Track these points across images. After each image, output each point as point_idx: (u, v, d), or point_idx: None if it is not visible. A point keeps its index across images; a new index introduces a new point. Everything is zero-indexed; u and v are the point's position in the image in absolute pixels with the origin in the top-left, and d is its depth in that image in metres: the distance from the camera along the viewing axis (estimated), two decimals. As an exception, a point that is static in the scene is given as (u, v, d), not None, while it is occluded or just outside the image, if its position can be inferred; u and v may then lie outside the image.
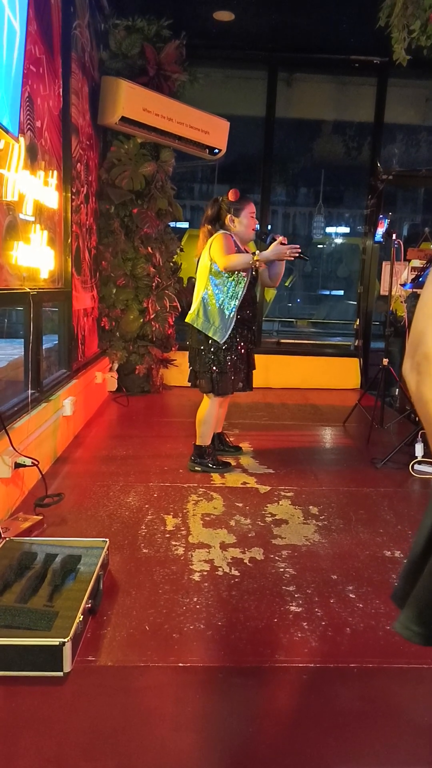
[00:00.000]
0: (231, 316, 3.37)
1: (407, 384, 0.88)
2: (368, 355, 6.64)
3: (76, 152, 4.38)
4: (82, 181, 4.72)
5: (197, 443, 3.57)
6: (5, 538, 2.34)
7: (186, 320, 3.49)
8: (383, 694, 1.70)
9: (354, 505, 3.12)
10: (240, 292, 3.38)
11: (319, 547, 2.61)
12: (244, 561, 2.45)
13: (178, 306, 5.76)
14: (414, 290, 4.65)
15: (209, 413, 3.50)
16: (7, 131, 2.44)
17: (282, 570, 2.39)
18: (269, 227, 6.96)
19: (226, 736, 1.53)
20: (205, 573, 2.33)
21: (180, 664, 1.78)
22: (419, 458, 3.74)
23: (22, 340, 3.38)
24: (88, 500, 3.03)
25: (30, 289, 3.21)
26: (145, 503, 3.02)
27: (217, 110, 5.66)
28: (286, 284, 15.76)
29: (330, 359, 6.74)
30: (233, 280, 3.35)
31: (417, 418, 4.34)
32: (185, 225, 12.21)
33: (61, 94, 3.93)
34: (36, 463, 2.86)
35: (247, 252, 3.41)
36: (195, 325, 3.40)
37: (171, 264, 5.84)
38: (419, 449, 3.78)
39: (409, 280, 4.89)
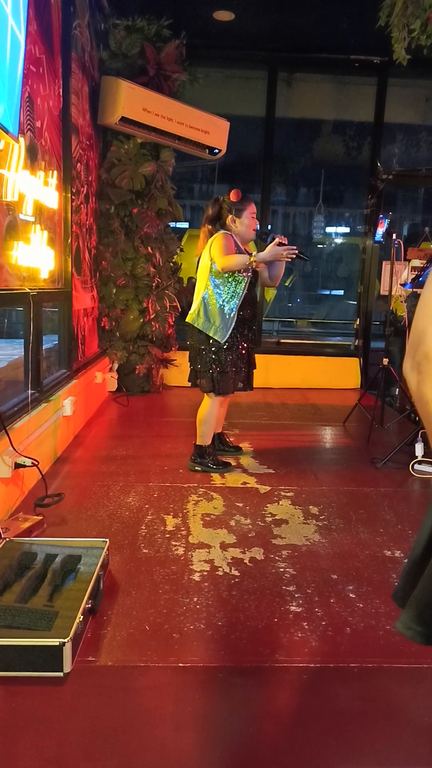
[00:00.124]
0: (232, 315, 3.37)
1: (408, 383, 0.88)
2: (368, 355, 6.64)
3: (76, 152, 4.38)
4: (82, 181, 4.72)
5: (197, 443, 3.57)
6: (5, 538, 2.34)
7: (186, 320, 3.49)
8: (383, 694, 1.70)
9: (354, 505, 3.12)
10: (241, 292, 3.38)
11: (319, 547, 2.61)
12: (245, 561, 2.45)
13: (178, 306, 5.76)
14: (414, 290, 4.65)
15: (210, 413, 3.50)
16: (7, 131, 2.44)
17: (282, 570, 2.39)
18: (269, 227, 6.97)
19: (226, 736, 1.53)
20: (205, 573, 2.33)
21: (180, 664, 1.78)
22: (419, 458, 3.74)
23: (22, 340, 3.38)
24: (88, 500, 3.03)
25: (30, 289, 3.21)
26: (145, 503, 3.02)
27: (217, 110, 5.66)
28: (286, 284, 15.76)
29: (330, 359, 6.74)
30: (234, 279, 3.35)
31: (417, 418, 4.34)
32: (185, 225, 12.21)
33: (61, 94, 3.93)
34: (36, 463, 2.86)
35: (248, 252, 3.41)
36: (196, 325, 3.40)
37: (171, 264, 5.84)
38: (419, 449, 3.78)
39: (409, 280, 4.89)
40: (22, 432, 2.95)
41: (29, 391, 3.31)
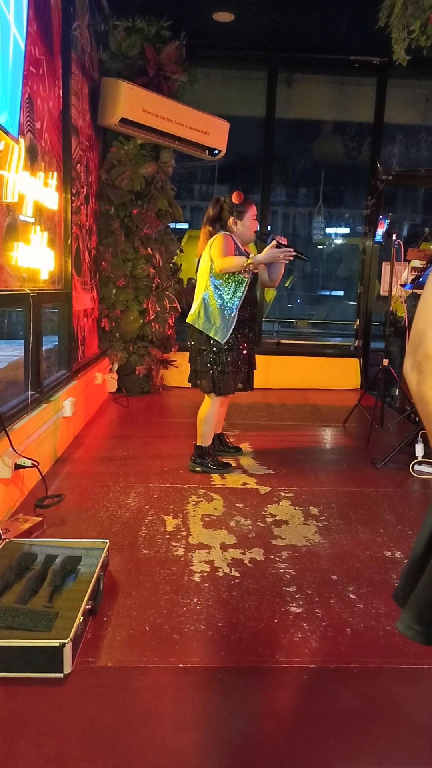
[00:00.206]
0: (232, 316, 3.37)
1: (408, 383, 0.88)
2: (368, 356, 6.64)
3: (76, 153, 4.38)
4: (82, 182, 4.73)
5: (198, 443, 3.58)
6: (5, 539, 2.34)
7: (187, 321, 3.49)
8: (383, 694, 1.70)
9: (354, 506, 3.12)
10: (241, 293, 3.38)
11: (320, 548, 2.61)
12: (245, 562, 2.45)
13: (178, 307, 5.77)
14: (414, 290, 4.65)
15: (210, 413, 3.50)
16: (7, 132, 2.44)
17: (282, 570, 2.39)
18: (269, 228, 6.97)
19: (226, 736, 1.53)
20: (206, 574, 2.33)
21: (180, 665, 1.78)
22: (419, 458, 3.74)
23: (22, 341, 3.38)
24: (88, 501, 3.03)
25: (30, 290, 3.22)
26: (145, 504, 3.02)
27: (217, 111, 5.66)
28: (286, 284, 15.76)
29: (330, 359, 6.74)
30: (234, 280, 3.35)
31: (417, 418, 4.34)
32: (185, 226, 12.22)
33: (60, 95, 3.93)
34: (36, 464, 2.86)
35: (248, 252, 3.41)
36: (196, 326, 3.40)
37: (171, 265, 5.84)
38: (419, 449, 3.78)
39: (409, 281, 4.89)
40: (22, 433, 2.95)
41: (29, 392, 3.31)
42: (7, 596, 1.92)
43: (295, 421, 5.01)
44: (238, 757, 1.47)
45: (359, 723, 1.58)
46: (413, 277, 4.91)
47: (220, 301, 3.35)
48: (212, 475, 3.51)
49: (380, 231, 5.11)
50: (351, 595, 2.21)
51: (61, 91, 3.93)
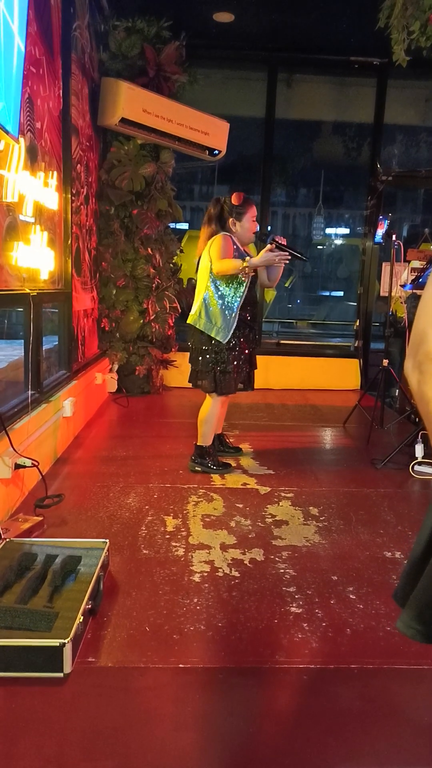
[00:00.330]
0: (233, 315, 3.37)
1: (409, 383, 0.88)
2: (368, 356, 6.64)
3: (76, 153, 4.38)
4: (82, 182, 4.73)
5: (198, 443, 3.58)
6: (5, 538, 2.34)
7: (188, 321, 3.49)
8: (383, 694, 1.70)
9: (354, 506, 3.12)
10: (242, 292, 3.38)
11: (320, 548, 2.61)
12: (245, 562, 2.45)
13: (178, 307, 5.77)
14: (414, 291, 4.66)
15: (211, 413, 3.51)
16: (7, 132, 2.44)
17: (282, 571, 2.39)
18: (269, 228, 6.97)
19: (226, 736, 1.53)
20: (206, 574, 2.33)
21: (180, 665, 1.78)
22: (419, 459, 3.74)
23: (22, 341, 3.38)
24: (88, 501, 3.03)
25: (30, 290, 3.22)
26: (146, 504, 3.02)
27: (217, 111, 5.67)
28: (286, 285, 15.76)
29: (330, 360, 6.74)
30: (234, 280, 3.35)
31: (417, 419, 4.35)
32: (185, 226, 12.21)
33: (61, 95, 3.93)
34: (36, 463, 2.86)
35: (248, 253, 3.42)
36: (197, 326, 3.40)
37: (171, 265, 5.84)
38: (419, 450, 3.78)
39: (409, 281, 4.89)
40: (22, 433, 2.95)
41: (29, 392, 3.31)
42: (8, 596, 1.92)
43: (295, 422, 5.01)
44: (238, 757, 1.47)
45: (359, 723, 1.58)
46: (413, 277, 4.92)
47: (220, 302, 3.35)
48: (212, 475, 3.51)
49: (380, 231, 5.12)
50: (351, 596, 2.21)
51: (61, 91, 3.93)
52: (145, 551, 2.51)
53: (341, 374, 6.60)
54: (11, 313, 4.97)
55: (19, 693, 1.65)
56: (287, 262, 3.27)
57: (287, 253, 3.24)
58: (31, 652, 1.69)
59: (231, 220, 3.40)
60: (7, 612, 1.80)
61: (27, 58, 2.76)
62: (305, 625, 2.02)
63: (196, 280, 3.52)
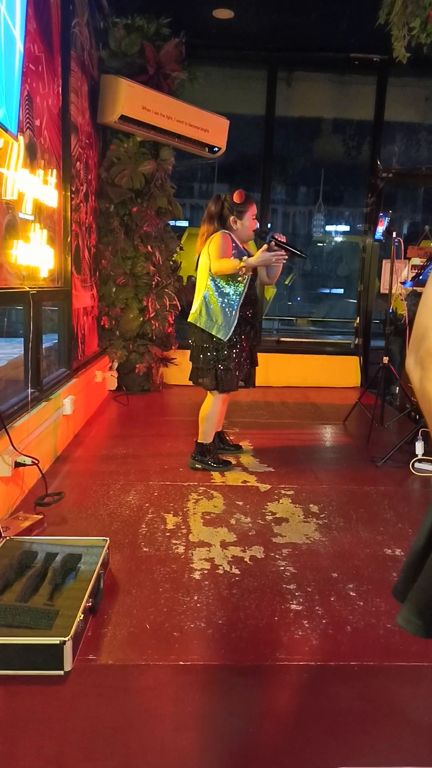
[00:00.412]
0: (234, 313, 3.36)
1: (410, 379, 0.88)
2: (368, 354, 6.63)
3: (75, 151, 4.37)
4: (82, 180, 4.72)
5: (199, 440, 3.57)
6: (5, 537, 2.34)
7: (188, 320, 3.48)
8: (384, 693, 1.70)
9: (354, 504, 3.12)
10: (242, 290, 3.37)
11: (320, 546, 2.61)
12: (245, 559, 2.45)
13: (178, 304, 5.76)
14: (414, 288, 4.65)
15: (213, 410, 3.50)
16: (6, 130, 2.43)
17: (282, 568, 2.39)
18: (269, 225, 6.96)
19: (226, 735, 1.53)
20: (206, 571, 2.33)
21: (180, 663, 1.78)
22: (419, 456, 3.74)
23: (22, 339, 3.38)
24: (88, 499, 3.03)
25: (30, 288, 3.21)
26: (146, 502, 3.02)
27: (216, 109, 5.65)
28: (286, 282, 15.74)
29: (330, 357, 6.74)
30: (234, 278, 3.34)
31: (417, 416, 4.35)
32: (185, 224, 12.19)
33: (60, 92, 3.92)
34: (36, 462, 2.86)
35: (247, 250, 3.41)
36: (198, 324, 3.39)
37: (171, 262, 5.83)
38: (419, 447, 3.78)
39: (410, 278, 4.89)
40: (22, 431, 2.95)
41: (29, 390, 3.30)
42: (8, 594, 1.92)
43: (295, 420, 5.00)
44: (238, 757, 1.47)
45: (359, 723, 1.58)
46: (413, 274, 4.91)
47: (221, 299, 3.35)
48: (212, 472, 3.50)
49: (380, 229, 5.11)
50: (351, 593, 2.21)
51: (60, 88, 3.92)
52: (145, 549, 2.51)
53: (341, 372, 6.59)
54: (11, 311, 4.96)
55: (20, 692, 1.65)
56: (285, 261, 3.26)
57: (285, 252, 3.24)
58: (31, 651, 1.69)
59: (232, 218, 3.39)
60: (8, 610, 1.80)
61: (26, 55, 2.75)
62: (305, 622, 2.01)
63: (195, 278, 3.51)
